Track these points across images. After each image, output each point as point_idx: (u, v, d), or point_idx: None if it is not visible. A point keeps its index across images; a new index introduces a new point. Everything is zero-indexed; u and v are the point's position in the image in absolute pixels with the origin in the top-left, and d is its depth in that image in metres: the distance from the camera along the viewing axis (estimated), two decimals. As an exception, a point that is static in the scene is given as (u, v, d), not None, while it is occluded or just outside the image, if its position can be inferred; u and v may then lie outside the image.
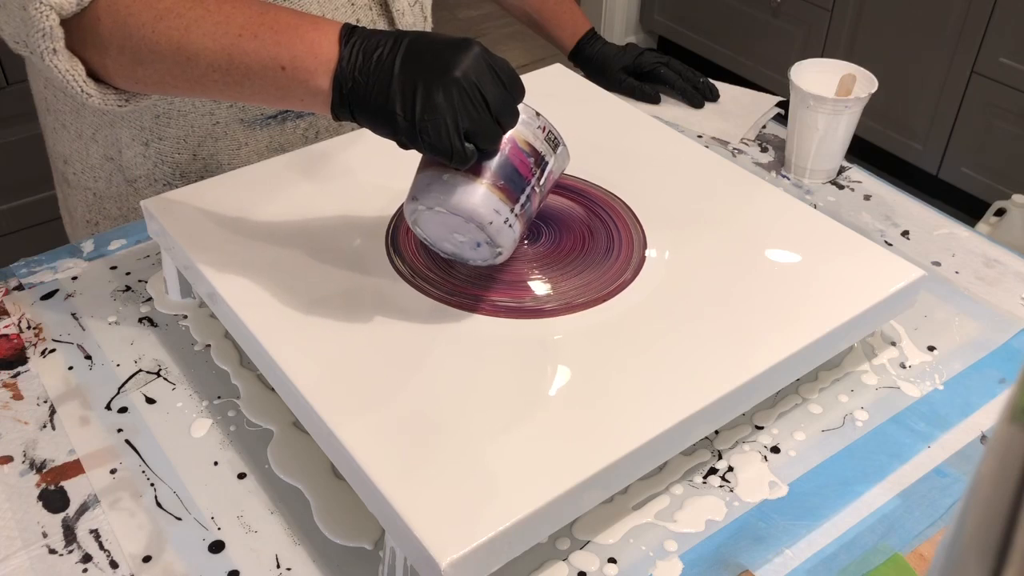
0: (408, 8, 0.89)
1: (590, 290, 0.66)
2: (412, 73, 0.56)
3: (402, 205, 0.74)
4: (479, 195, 0.59)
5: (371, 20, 0.87)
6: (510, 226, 0.61)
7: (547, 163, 0.62)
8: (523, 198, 0.61)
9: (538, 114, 0.61)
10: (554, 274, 0.68)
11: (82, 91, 0.63)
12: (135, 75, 0.63)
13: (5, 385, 0.71)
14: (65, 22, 0.61)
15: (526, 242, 0.70)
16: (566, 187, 0.77)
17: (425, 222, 0.62)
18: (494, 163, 0.59)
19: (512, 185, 0.60)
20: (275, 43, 0.58)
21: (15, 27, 0.63)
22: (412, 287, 0.67)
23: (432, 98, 0.55)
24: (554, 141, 0.62)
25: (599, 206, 0.75)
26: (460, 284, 0.67)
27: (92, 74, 0.64)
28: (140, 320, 0.76)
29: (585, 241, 0.71)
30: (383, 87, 0.56)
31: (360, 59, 0.57)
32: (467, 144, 0.56)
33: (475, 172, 0.59)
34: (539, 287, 0.67)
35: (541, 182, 0.62)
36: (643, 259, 0.70)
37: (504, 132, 0.58)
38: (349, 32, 0.58)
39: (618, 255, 0.70)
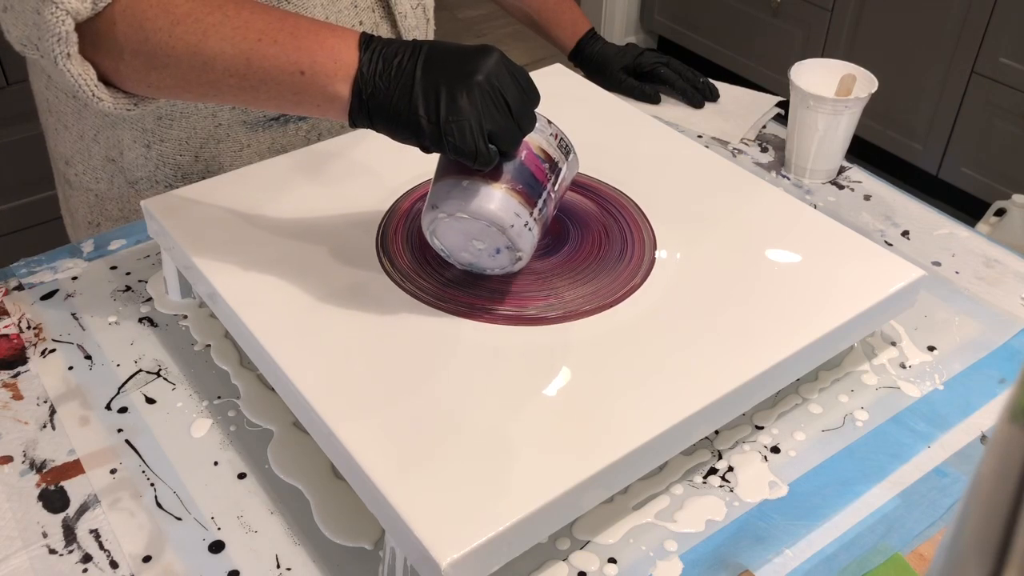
0: (411, 10, 0.89)
1: (598, 297, 0.66)
2: (434, 78, 0.57)
3: (392, 206, 0.74)
4: (500, 199, 0.60)
5: (374, 22, 0.87)
6: (530, 230, 0.61)
7: (560, 169, 0.63)
8: (540, 203, 0.61)
9: (550, 121, 0.62)
10: (564, 282, 0.67)
11: (93, 95, 0.63)
12: (148, 79, 0.63)
13: (5, 385, 0.71)
14: (79, 26, 0.61)
15: (548, 247, 0.70)
16: (580, 184, 0.77)
17: (443, 231, 0.63)
18: (512, 168, 0.60)
19: (530, 190, 0.61)
20: (295, 48, 0.59)
21: (25, 30, 0.63)
22: (408, 292, 0.67)
23: (456, 101, 0.56)
24: (566, 148, 0.63)
25: (612, 204, 0.75)
26: (467, 288, 0.67)
27: (102, 78, 0.64)
28: (140, 320, 0.76)
29: (602, 244, 0.71)
30: (405, 91, 0.57)
31: (380, 65, 0.58)
32: (491, 146, 0.57)
33: (493, 178, 0.60)
34: (546, 297, 0.67)
35: (556, 187, 0.63)
36: (653, 261, 0.70)
37: (524, 135, 0.59)
38: (368, 39, 0.59)
39: (631, 258, 0.70)
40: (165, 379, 0.71)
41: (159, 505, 0.62)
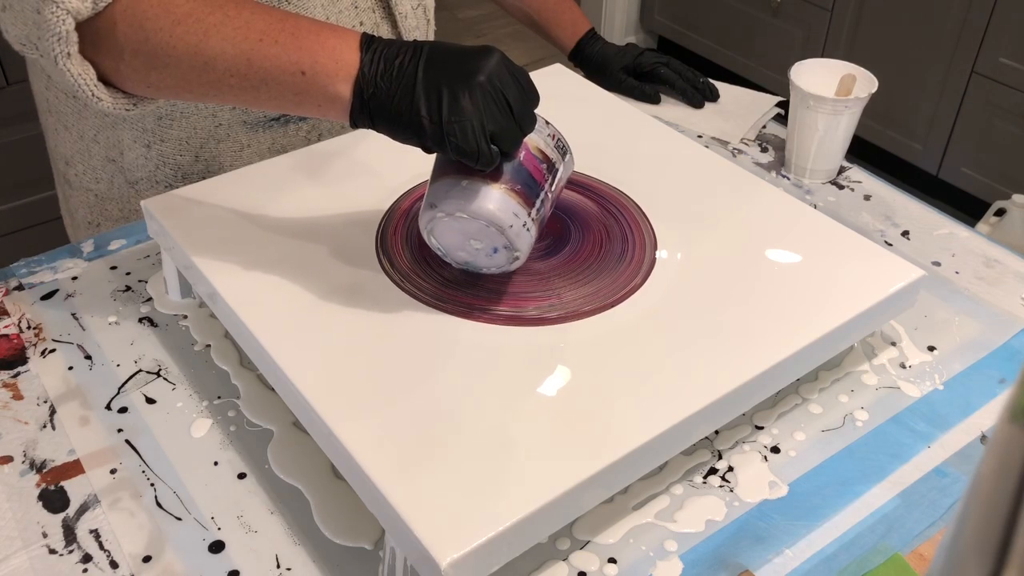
0: (411, 11, 0.89)
1: (598, 297, 0.66)
2: (436, 78, 0.57)
3: (391, 206, 0.74)
4: (499, 199, 0.60)
5: (374, 23, 0.87)
6: (528, 230, 0.61)
7: (557, 169, 0.63)
8: (538, 203, 0.62)
9: (547, 122, 0.62)
10: (565, 283, 0.67)
11: (93, 95, 0.63)
12: (148, 79, 0.63)
13: (5, 385, 0.71)
14: (79, 26, 0.61)
15: (548, 248, 0.70)
16: (580, 184, 0.77)
17: (441, 231, 0.63)
18: (510, 169, 0.60)
19: (528, 190, 0.61)
20: (296, 48, 0.59)
21: (24, 29, 0.63)
22: (407, 292, 0.67)
23: (458, 101, 0.56)
24: (562, 148, 0.63)
25: (612, 204, 0.75)
26: (466, 289, 0.67)
27: (102, 78, 0.64)
28: (140, 320, 0.76)
29: (603, 244, 0.71)
30: (407, 92, 0.57)
31: (382, 65, 0.58)
32: (492, 146, 0.57)
33: (492, 178, 0.60)
34: (547, 297, 0.67)
35: (553, 188, 0.63)
36: (654, 261, 0.70)
37: (525, 135, 0.59)
38: (369, 40, 0.59)
39: (631, 258, 0.70)
40: (165, 379, 0.71)
41: (159, 505, 0.62)
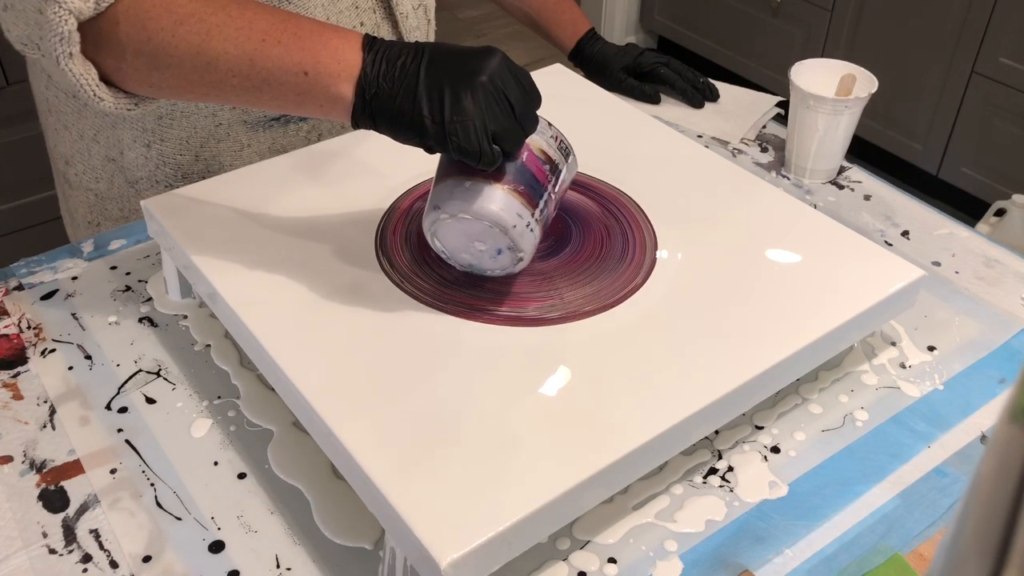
0: (412, 11, 0.89)
1: (599, 297, 0.66)
2: (438, 78, 0.57)
3: (391, 206, 0.74)
4: (502, 200, 0.60)
5: (375, 23, 0.87)
6: (531, 231, 0.61)
7: (560, 170, 0.63)
8: (541, 204, 0.62)
9: (550, 124, 0.63)
10: (565, 283, 0.67)
11: (95, 95, 0.63)
12: (150, 79, 0.63)
13: (5, 385, 0.71)
14: (81, 26, 0.61)
15: (549, 248, 0.70)
16: (581, 184, 0.77)
17: (444, 232, 0.63)
18: (513, 170, 0.60)
19: (531, 191, 0.61)
20: (299, 48, 0.59)
21: (26, 29, 0.63)
22: (407, 292, 0.67)
23: (460, 101, 0.56)
24: (565, 150, 0.63)
25: (613, 204, 0.75)
26: (466, 289, 0.67)
27: (103, 77, 0.64)
28: (140, 320, 0.76)
29: (603, 244, 0.71)
30: (409, 92, 0.57)
31: (384, 66, 0.58)
32: (494, 146, 0.57)
33: (496, 179, 0.60)
34: (547, 298, 0.67)
35: (556, 189, 0.63)
36: (654, 261, 0.70)
37: (527, 136, 0.60)
38: (371, 41, 0.59)
39: (632, 258, 0.70)
40: (165, 379, 0.71)
41: (159, 505, 0.62)
